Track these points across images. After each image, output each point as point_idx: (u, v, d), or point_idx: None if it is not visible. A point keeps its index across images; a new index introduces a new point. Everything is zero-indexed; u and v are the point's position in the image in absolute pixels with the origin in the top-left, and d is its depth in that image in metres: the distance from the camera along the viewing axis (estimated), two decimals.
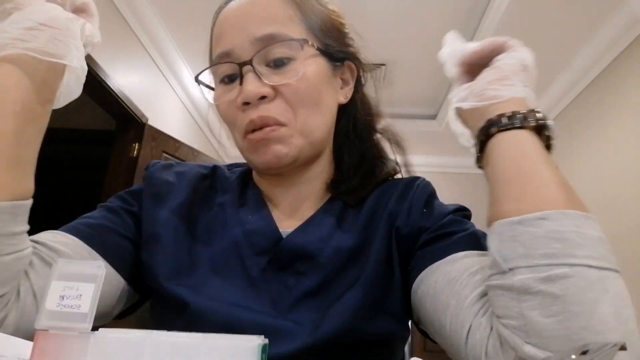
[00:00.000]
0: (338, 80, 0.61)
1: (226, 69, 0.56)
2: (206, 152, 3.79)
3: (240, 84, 0.53)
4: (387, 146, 0.67)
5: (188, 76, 3.72)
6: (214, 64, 0.57)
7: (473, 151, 0.50)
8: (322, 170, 0.62)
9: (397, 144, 0.67)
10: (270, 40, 0.53)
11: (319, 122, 0.57)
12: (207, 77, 0.60)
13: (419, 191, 0.59)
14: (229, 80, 0.56)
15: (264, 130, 0.53)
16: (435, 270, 0.50)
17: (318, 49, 0.57)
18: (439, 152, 4.98)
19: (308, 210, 0.60)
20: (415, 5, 2.88)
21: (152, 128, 3.10)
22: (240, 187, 0.64)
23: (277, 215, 0.60)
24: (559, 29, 2.85)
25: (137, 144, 2.97)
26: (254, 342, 0.26)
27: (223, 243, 0.56)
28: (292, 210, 0.61)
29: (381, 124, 0.67)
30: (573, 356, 0.24)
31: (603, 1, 2.61)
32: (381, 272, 0.53)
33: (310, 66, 0.55)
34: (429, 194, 0.60)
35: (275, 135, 0.54)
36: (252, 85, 0.52)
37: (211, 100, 0.59)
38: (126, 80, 2.86)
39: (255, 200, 0.62)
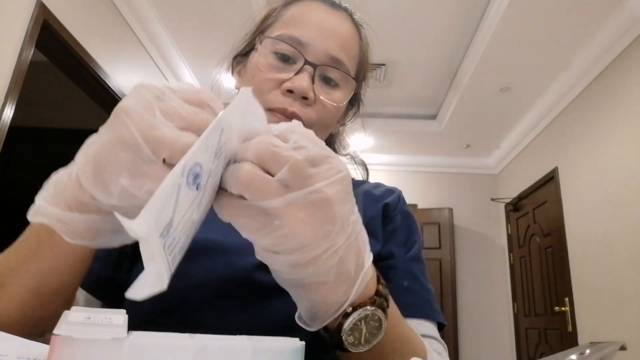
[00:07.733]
0: (341, 115, 0.70)
1: (287, 49, 0.60)
2: None
3: (296, 74, 0.58)
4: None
5: (188, 76, 3.72)
6: (284, 40, 0.60)
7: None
8: None
9: (364, 165, 0.76)
10: (337, 64, 0.61)
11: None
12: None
13: (405, 208, 0.67)
14: (281, 57, 0.60)
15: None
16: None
17: (353, 94, 0.65)
18: (439, 152, 4.99)
19: None
20: (415, 6, 2.88)
21: None
22: None
23: None
24: (559, 29, 2.86)
25: None
26: (297, 344, 0.26)
27: None
28: None
29: (348, 150, 0.77)
30: (573, 356, 0.24)
31: (603, 1, 2.61)
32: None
33: (343, 101, 0.64)
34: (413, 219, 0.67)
35: None
36: (306, 83, 0.58)
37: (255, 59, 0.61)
38: (126, 80, 2.86)
39: None
